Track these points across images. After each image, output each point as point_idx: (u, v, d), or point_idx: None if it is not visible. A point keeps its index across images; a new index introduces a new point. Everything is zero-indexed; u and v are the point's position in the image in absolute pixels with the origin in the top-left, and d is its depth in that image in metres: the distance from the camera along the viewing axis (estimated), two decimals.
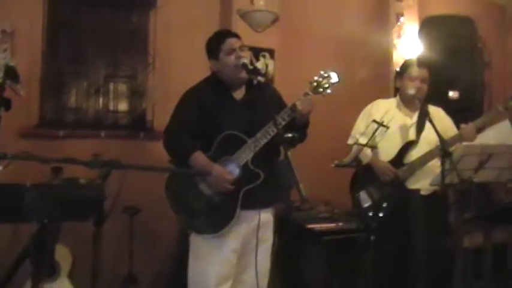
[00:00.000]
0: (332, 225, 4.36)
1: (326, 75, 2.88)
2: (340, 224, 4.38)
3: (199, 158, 2.81)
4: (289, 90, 2.98)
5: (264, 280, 2.99)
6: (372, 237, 3.40)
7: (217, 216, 2.80)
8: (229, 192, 2.76)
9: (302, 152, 4.38)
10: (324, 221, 4.44)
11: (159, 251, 4.51)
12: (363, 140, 3.37)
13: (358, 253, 3.98)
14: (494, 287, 4.22)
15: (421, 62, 3.83)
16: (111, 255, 4.10)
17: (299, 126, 2.91)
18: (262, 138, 2.78)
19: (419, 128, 3.61)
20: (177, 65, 4.59)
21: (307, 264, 4.32)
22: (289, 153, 2.41)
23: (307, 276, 4.33)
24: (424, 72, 3.70)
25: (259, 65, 4.76)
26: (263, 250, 2.94)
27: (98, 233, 3.54)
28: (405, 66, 3.80)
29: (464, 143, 3.33)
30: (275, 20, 4.80)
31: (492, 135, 4.05)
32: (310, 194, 4.42)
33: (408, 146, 3.61)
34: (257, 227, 2.83)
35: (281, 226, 4.14)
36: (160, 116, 4.32)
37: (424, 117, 3.50)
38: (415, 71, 3.68)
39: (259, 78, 2.82)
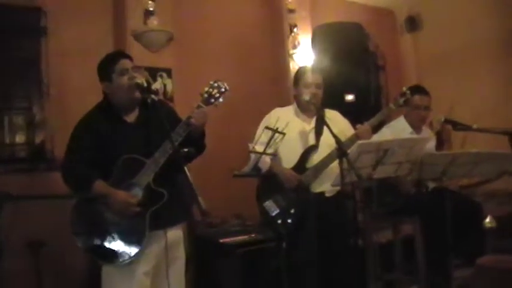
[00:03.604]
0: (245, 237, 4.37)
1: (216, 85, 2.91)
2: (253, 235, 4.40)
3: (99, 187, 2.73)
4: (189, 108, 2.96)
5: None
6: (284, 245, 3.42)
7: (127, 243, 2.74)
8: (136, 214, 2.72)
9: (210, 167, 4.41)
10: (236, 234, 4.44)
11: (71, 285, 4.33)
12: (260, 148, 3.40)
13: (271, 262, 4.01)
14: (405, 279, 4.34)
15: (315, 69, 3.95)
16: None
17: (194, 138, 2.90)
18: (161, 157, 2.74)
19: (318, 132, 3.70)
20: (74, 92, 4.47)
21: (224, 279, 4.30)
22: (186, 168, 2.41)
23: None
24: (318, 78, 3.80)
25: (157, 85, 4.73)
26: (176, 268, 2.93)
27: None
28: (299, 73, 3.88)
29: (360, 141, 3.39)
30: (170, 39, 4.79)
31: (388, 132, 4.21)
32: (221, 208, 4.46)
33: (309, 150, 3.68)
34: (166, 247, 2.80)
35: (195, 243, 4.13)
36: (61, 145, 4.10)
37: (321, 121, 3.60)
38: (309, 77, 3.78)
39: (153, 97, 2.81)
